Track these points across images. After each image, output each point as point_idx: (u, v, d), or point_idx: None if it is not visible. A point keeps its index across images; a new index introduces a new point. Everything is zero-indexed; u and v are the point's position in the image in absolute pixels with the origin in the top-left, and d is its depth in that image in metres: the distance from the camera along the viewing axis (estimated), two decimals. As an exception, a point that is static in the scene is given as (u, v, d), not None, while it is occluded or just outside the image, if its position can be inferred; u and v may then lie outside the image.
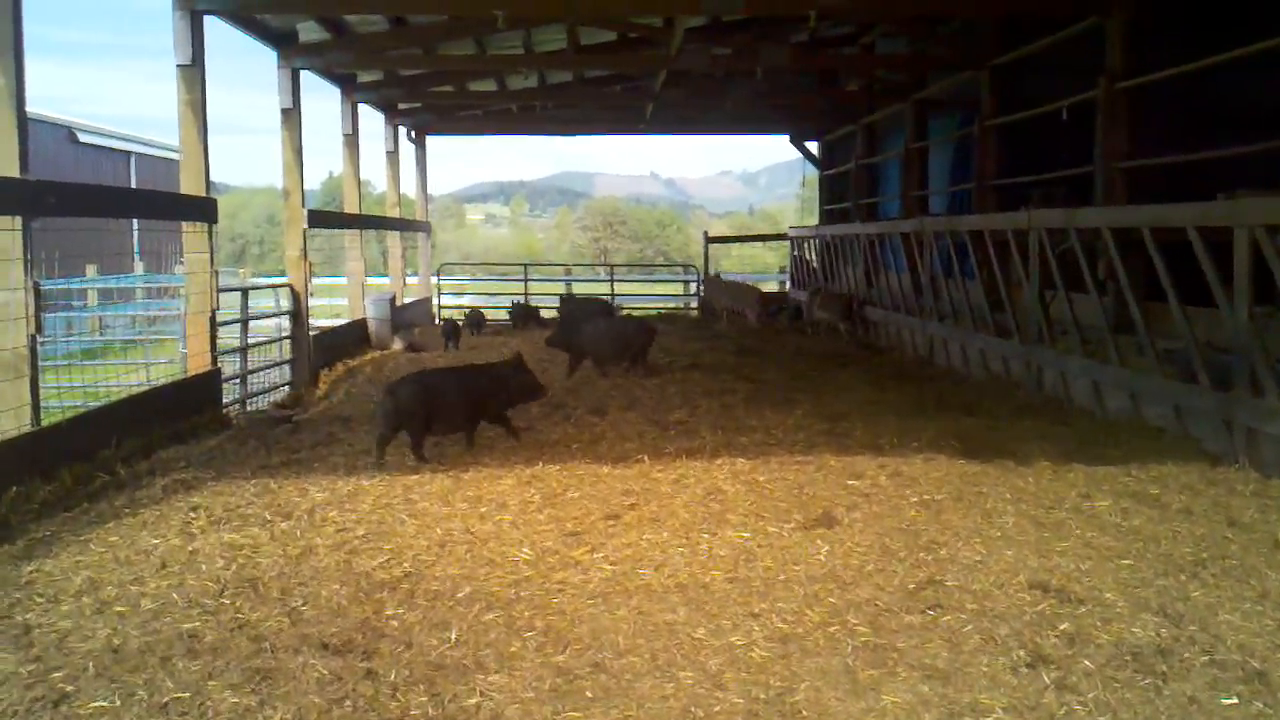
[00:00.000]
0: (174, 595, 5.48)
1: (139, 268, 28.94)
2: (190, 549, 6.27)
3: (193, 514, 7.08)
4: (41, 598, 5.48)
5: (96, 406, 9.02)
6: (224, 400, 11.72)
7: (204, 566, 5.95)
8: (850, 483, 7.68)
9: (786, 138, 27.28)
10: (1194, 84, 10.98)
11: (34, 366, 7.87)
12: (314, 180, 78.70)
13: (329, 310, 24.29)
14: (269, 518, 6.98)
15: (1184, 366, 9.04)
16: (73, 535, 6.59)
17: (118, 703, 4.30)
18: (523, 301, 23.25)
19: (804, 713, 4.20)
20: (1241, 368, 8.08)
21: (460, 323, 19.36)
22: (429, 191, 26.25)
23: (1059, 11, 13.09)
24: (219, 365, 11.54)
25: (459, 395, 9.01)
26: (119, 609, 5.31)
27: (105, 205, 10.56)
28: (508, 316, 22.24)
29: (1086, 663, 4.60)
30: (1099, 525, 6.56)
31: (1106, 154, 11.84)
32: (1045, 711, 4.19)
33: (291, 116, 14.88)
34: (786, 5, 13.01)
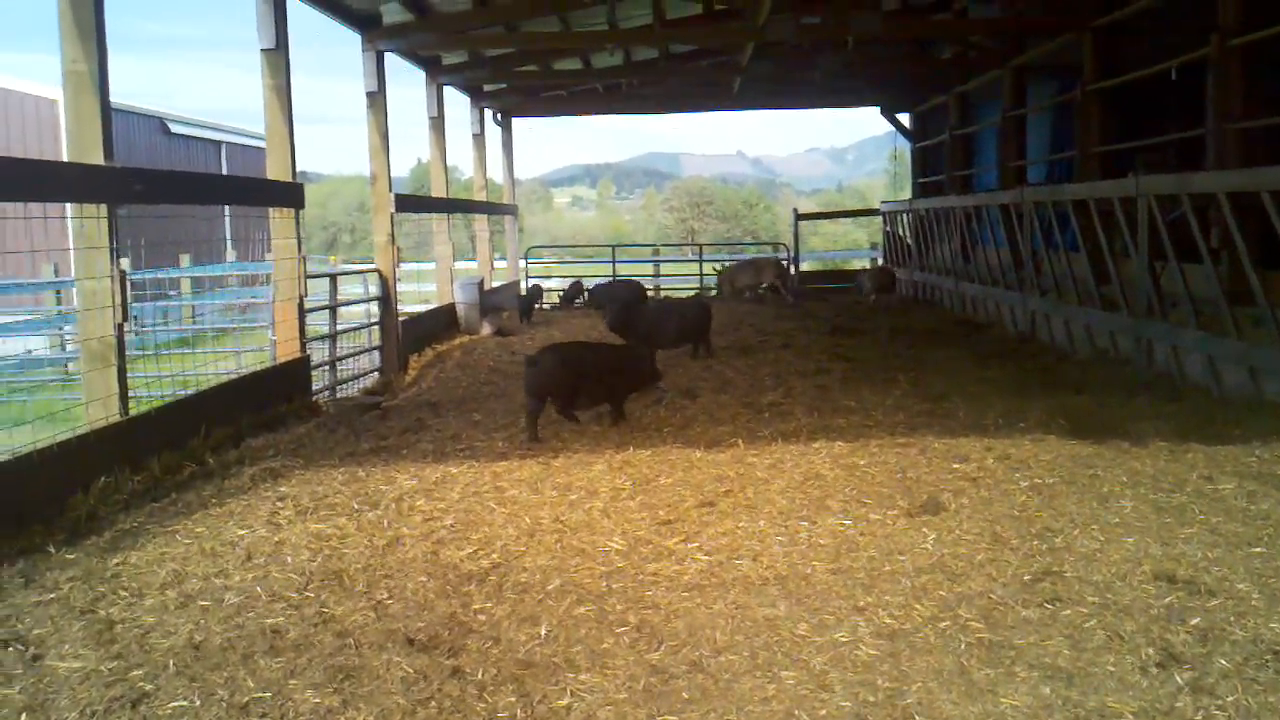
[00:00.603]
0: (258, 589, 5.35)
1: (230, 256, 29.28)
2: (276, 540, 6.15)
3: (280, 504, 6.97)
4: (126, 591, 5.38)
5: (185, 395, 8.95)
6: (313, 387, 11.66)
7: (289, 558, 5.82)
8: (955, 466, 7.35)
9: (877, 110, 26.66)
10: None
11: (121, 355, 7.80)
12: (403, 167, 79.64)
13: (418, 296, 24.32)
14: (356, 507, 6.85)
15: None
16: (159, 526, 6.50)
17: (197, 703, 4.16)
18: (529, 288, 22.89)
19: (916, 717, 3.92)
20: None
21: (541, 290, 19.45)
22: (516, 175, 26.13)
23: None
24: (308, 352, 11.47)
25: (597, 371, 9.19)
26: (202, 603, 5.18)
27: (191, 192, 10.46)
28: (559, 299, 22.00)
29: (1222, 662, 4.26)
30: (1224, 510, 6.17)
31: (1219, 115, 11.27)
32: (1180, 716, 3.87)
33: (377, 100, 14.78)
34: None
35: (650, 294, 22.43)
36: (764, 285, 22.02)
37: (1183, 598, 4.90)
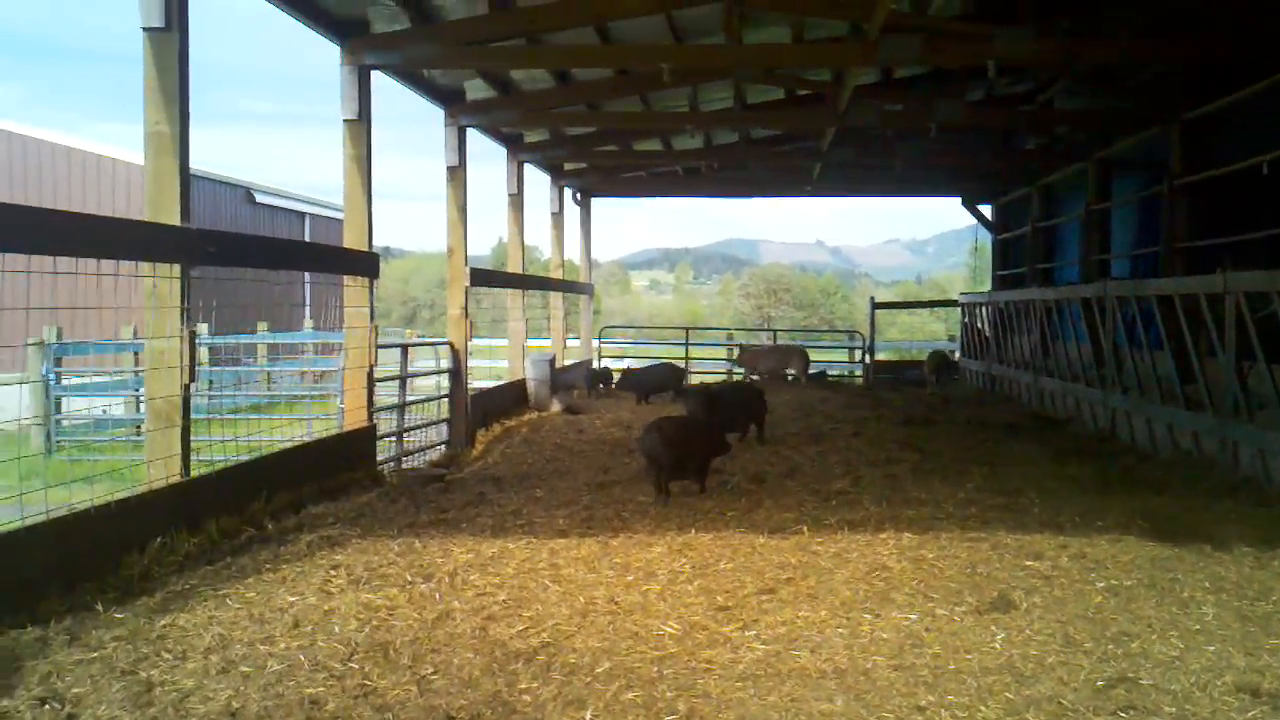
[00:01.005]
0: (301, 657, 5.23)
1: (307, 325, 29.64)
2: (326, 608, 6.04)
3: (333, 572, 6.89)
4: (169, 654, 5.29)
5: (247, 459, 8.94)
6: (379, 457, 11.64)
7: (337, 627, 5.70)
8: (1028, 563, 7.07)
9: (958, 200, 26.50)
10: None
11: (186, 415, 7.80)
12: (484, 246, 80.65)
13: (490, 373, 24.39)
14: (409, 578, 6.74)
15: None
16: (211, 590, 6.43)
17: (227, 774, 4.02)
18: (598, 367, 22.67)
19: (978, 828, 3.68)
20: None
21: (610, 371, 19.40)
22: (594, 256, 26.26)
23: (1259, 57, 12.27)
24: (374, 421, 11.46)
25: (695, 442, 9.84)
26: (244, 669, 5.07)
27: (265, 256, 10.53)
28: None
29: (1312, 784, 3.96)
30: (1315, 621, 5.84)
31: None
32: (1266, 842, 3.59)
33: (457, 174, 14.94)
34: (962, 55, 12.45)
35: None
36: (789, 373, 22.21)
37: (1266, 712, 4.61)
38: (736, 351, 22.35)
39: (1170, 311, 12.31)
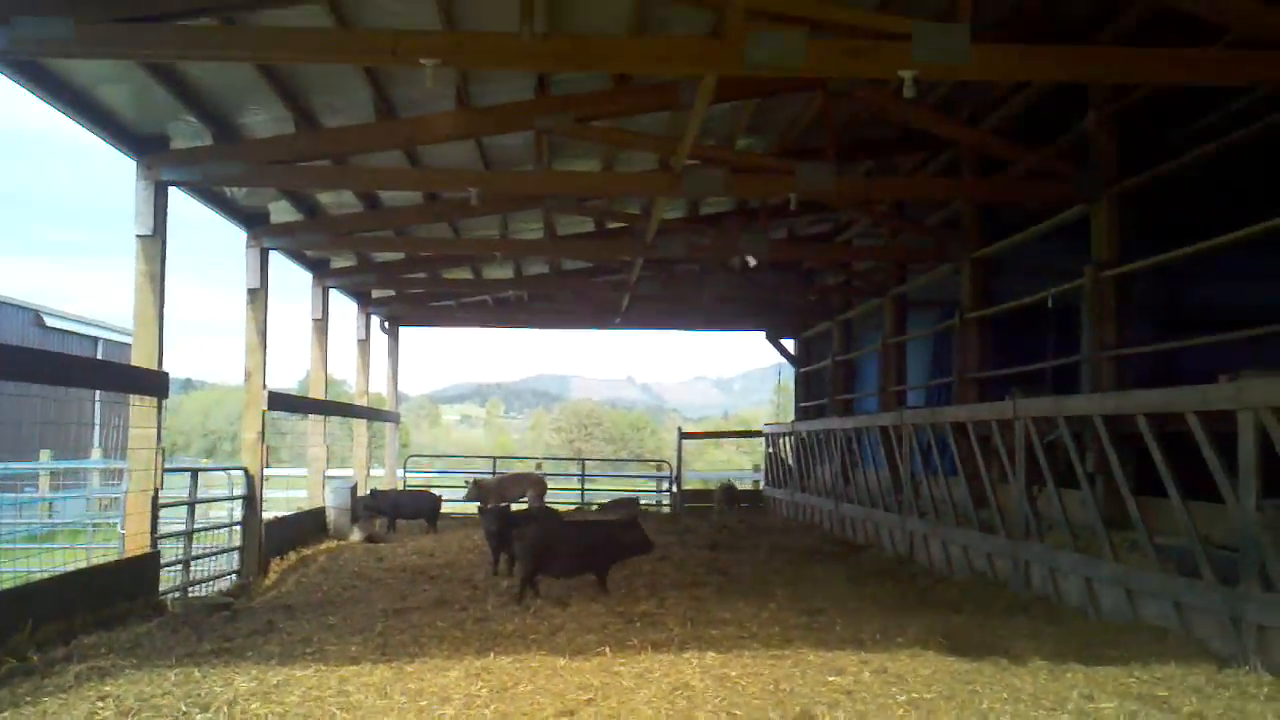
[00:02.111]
0: (54, 794, 4.76)
1: (95, 453, 28.32)
2: (88, 742, 5.56)
3: (100, 703, 6.38)
4: (-99, 795, 4.76)
5: (9, 588, 8.31)
6: (163, 586, 10.98)
7: (98, 762, 5.23)
8: (831, 679, 7.02)
9: (763, 335, 27.19)
10: (1177, 280, 10.85)
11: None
12: (290, 379, 78.72)
13: (290, 504, 23.56)
14: (184, 709, 6.28)
15: (1183, 563, 8.50)
16: (-42, 725, 5.87)
17: None
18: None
19: None
20: (1249, 561, 7.54)
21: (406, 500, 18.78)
22: (403, 389, 25.88)
23: (1047, 200, 13.04)
24: (159, 548, 10.85)
25: (576, 543, 10.81)
26: (-15, 811, 4.59)
27: (41, 370, 9.78)
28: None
29: None
30: (1106, 729, 5.92)
31: (1094, 343, 11.56)
32: None
33: (258, 296, 14.53)
34: (766, 187, 12.88)
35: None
36: (526, 499, 21.28)
37: (1065, 819, 4.59)
38: (470, 483, 21.48)
39: (964, 437, 12.71)
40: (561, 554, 10.61)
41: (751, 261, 16.08)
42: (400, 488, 23.67)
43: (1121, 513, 9.51)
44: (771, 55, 7.82)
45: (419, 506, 18.74)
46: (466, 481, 21.93)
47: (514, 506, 16.04)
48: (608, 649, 7.88)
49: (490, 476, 22.91)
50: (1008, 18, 11.32)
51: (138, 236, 11.29)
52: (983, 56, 8.00)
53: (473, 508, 19.13)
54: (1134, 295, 12.09)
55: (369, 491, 19.43)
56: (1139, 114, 12.31)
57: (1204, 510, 8.65)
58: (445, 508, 19.35)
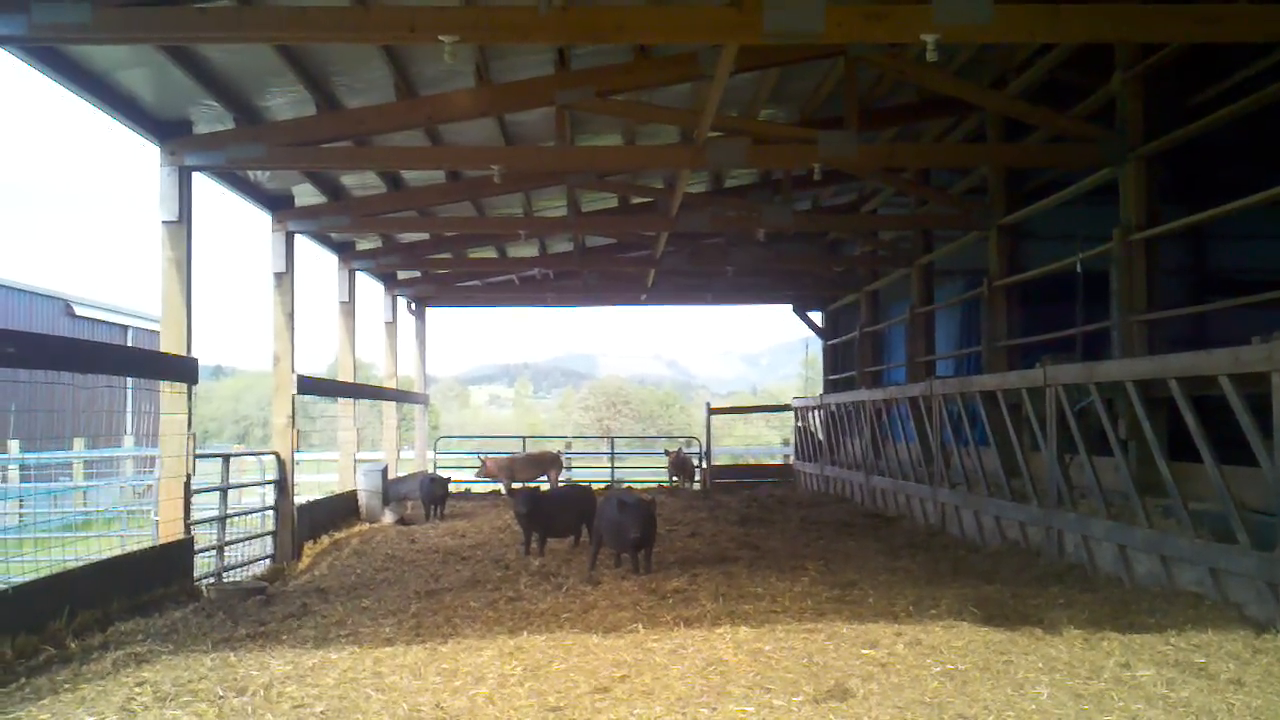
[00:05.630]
0: (92, 780, 4.79)
1: (128, 441, 28.50)
2: (125, 727, 5.59)
3: (138, 689, 6.42)
4: (-57, 783, 4.80)
5: (46, 576, 8.36)
6: (197, 571, 11.05)
7: (136, 747, 5.26)
8: (865, 652, 6.99)
9: (789, 308, 27.07)
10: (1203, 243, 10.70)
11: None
12: (320, 363, 78.97)
13: (322, 488, 23.63)
14: (221, 693, 6.30)
15: (1217, 528, 8.42)
16: (0, 713, 5.91)
17: None
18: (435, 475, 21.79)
19: None
20: (1286, 525, 7.46)
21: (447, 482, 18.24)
22: (431, 370, 25.89)
23: (1073, 164, 12.91)
24: (192, 534, 10.90)
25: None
26: (26, 796, 4.62)
27: (71, 359, 9.87)
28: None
29: None
30: (1145, 697, 5.87)
31: (1124, 307, 11.44)
32: None
33: (284, 280, 14.56)
34: (788, 157, 12.79)
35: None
36: (544, 478, 21.51)
37: (1104, 788, 4.55)
38: (481, 462, 21.30)
39: (994, 407, 12.62)
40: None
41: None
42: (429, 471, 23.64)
43: (1155, 479, 9.41)
44: (789, 22, 7.76)
45: (423, 490, 17.86)
46: (482, 460, 21.73)
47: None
48: (640, 626, 7.87)
49: (504, 456, 22.73)
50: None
51: (163, 223, 11.32)
52: (1005, 17, 7.92)
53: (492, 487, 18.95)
54: (1161, 259, 11.97)
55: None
56: (1166, 74, 12.16)
57: (1238, 474, 8.56)
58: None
